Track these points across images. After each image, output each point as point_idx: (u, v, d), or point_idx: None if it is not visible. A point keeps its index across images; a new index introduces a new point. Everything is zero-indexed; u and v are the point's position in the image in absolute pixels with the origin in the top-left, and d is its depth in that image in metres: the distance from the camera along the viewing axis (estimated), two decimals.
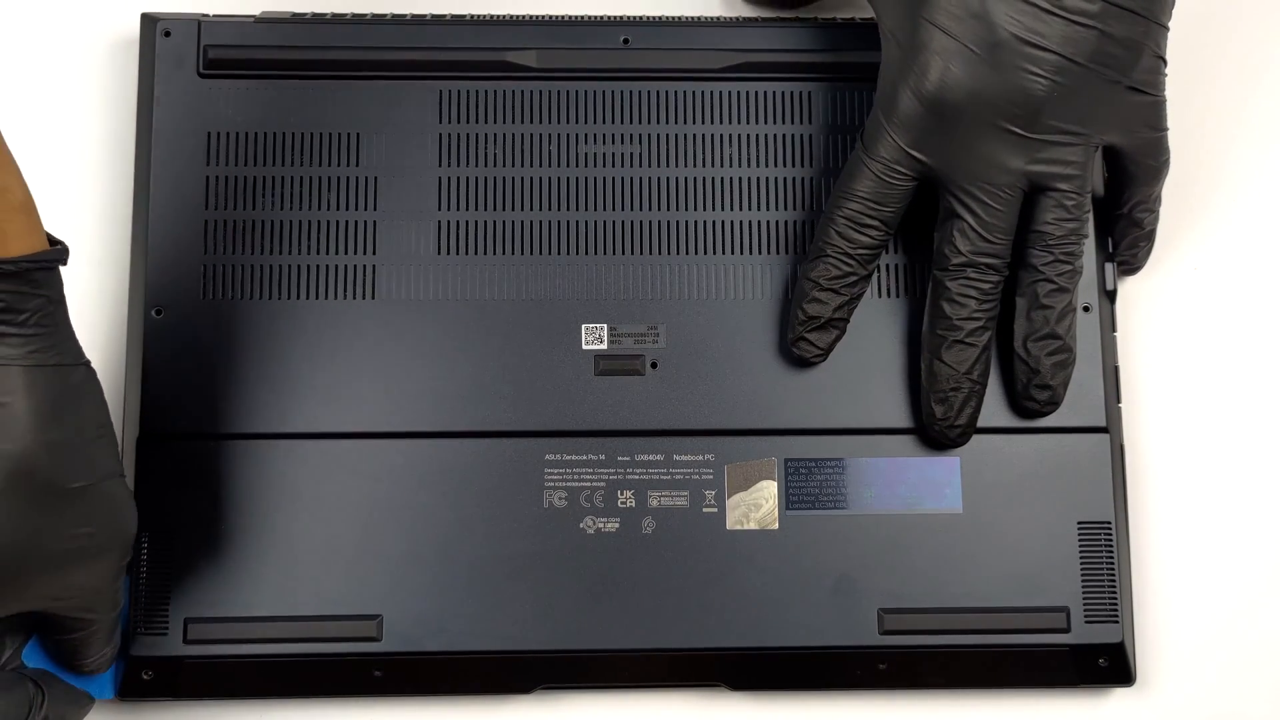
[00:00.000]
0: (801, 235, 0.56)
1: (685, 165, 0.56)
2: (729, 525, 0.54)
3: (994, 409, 0.54)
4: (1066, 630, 0.53)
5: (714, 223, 0.56)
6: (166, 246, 0.55)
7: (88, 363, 0.46)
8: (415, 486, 0.53)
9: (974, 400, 0.53)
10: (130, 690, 0.52)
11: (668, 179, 0.56)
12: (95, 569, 0.46)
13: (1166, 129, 0.53)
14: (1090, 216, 0.53)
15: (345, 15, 0.58)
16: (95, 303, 0.57)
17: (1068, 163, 0.51)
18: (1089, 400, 0.55)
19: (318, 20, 0.57)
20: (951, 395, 0.53)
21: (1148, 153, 0.53)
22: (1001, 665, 0.54)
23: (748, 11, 0.61)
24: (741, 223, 0.56)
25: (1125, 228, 0.56)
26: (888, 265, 0.56)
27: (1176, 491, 0.58)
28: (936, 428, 0.53)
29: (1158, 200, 0.55)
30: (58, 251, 0.45)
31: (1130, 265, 0.58)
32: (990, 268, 0.52)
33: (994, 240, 0.52)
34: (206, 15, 0.57)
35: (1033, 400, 0.54)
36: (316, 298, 0.55)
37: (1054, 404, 0.54)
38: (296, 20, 0.57)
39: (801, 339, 0.54)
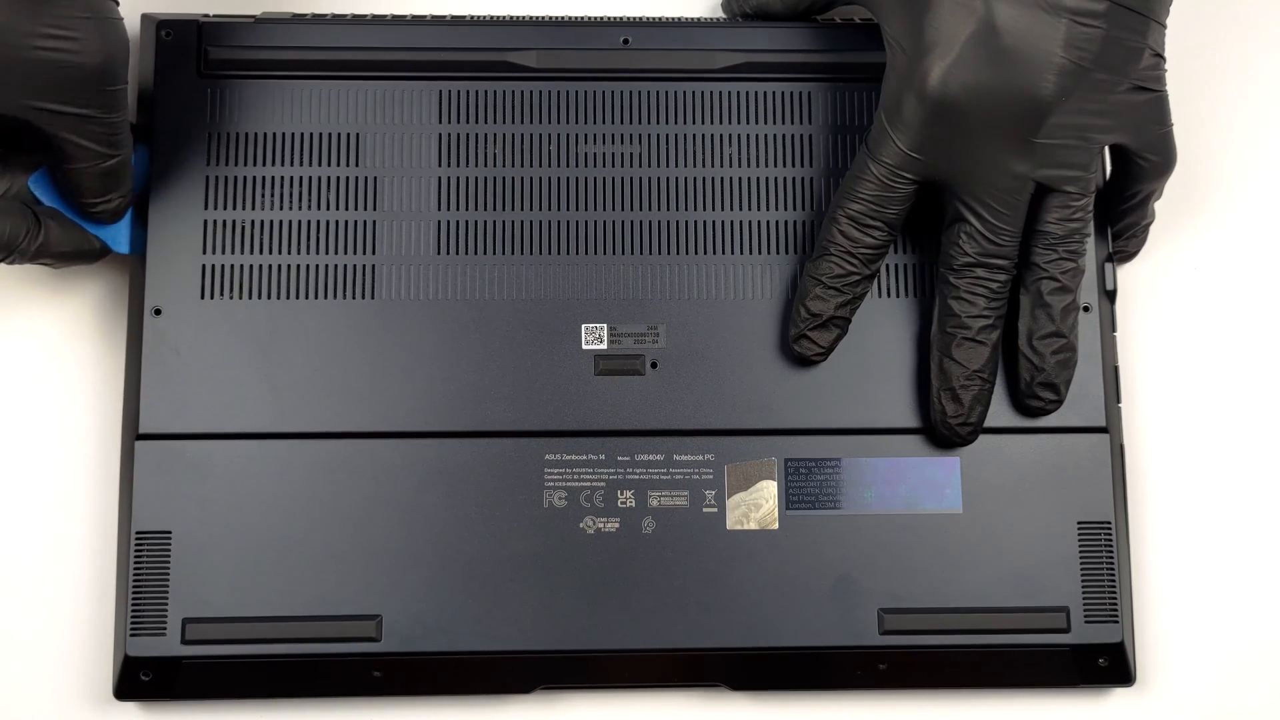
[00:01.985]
0: (802, 235, 0.56)
1: (685, 165, 0.56)
2: (729, 525, 0.54)
3: (994, 409, 0.54)
4: (1066, 630, 0.53)
5: (714, 223, 0.56)
6: (166, 246, 0.55)
7: None
8: (415, 486, 0.53)
9: (984, 398, 0.53)
10: (128, 691, 0.52)
11: (668, 179, 0.56)
12: (77, 79, 0.46)
13: (1171, 124, 0.53)
14: (1092, 215, 0.54)
15: (345, 15, 0.58)
16: (95, 303, 0.57)
17: (1073, 164, 0.51)
18: (1089, 400, 0.55)
19: (318, 20, 0.57)
20: (963, 392, 0.53)
21: (1154, 149, 0.53)
22: (1001, 665, 0.54)
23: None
24: (741, 223, 0.56)
25: (1127, 219, 0.56)
26: (887, 265, 0.56)
27: (1176, 491, 0.58)
28: (948, 425, 0.53)
29: (1159, 192, 0.56)
30: None
31: (1126, 252, 0.58)
32: (999, 267, 0.52)
33: (1001, 243, 0.52)
34: (206, 16, 0.57)
35: (1037, 399, 0.54)
36: (316, 298, 0.55)
37: (1058, 402, 0.54)
38: (296, 21, 0.57)
39: (803, 336, 0.54)
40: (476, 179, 0.56)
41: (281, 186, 0.56)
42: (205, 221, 0.55)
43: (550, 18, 0.58)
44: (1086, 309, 0.55)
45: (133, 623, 0.52)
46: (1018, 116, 0.50)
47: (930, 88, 0.50)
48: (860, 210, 0.53)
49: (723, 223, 0.56)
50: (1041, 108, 0.50)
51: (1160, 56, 0.51)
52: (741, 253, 0.56)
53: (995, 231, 0.52)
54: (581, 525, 0.54)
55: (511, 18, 0.58)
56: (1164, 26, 0.51)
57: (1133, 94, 0.51)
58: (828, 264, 0.53)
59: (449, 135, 0.56)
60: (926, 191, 0.53)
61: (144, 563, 0.52)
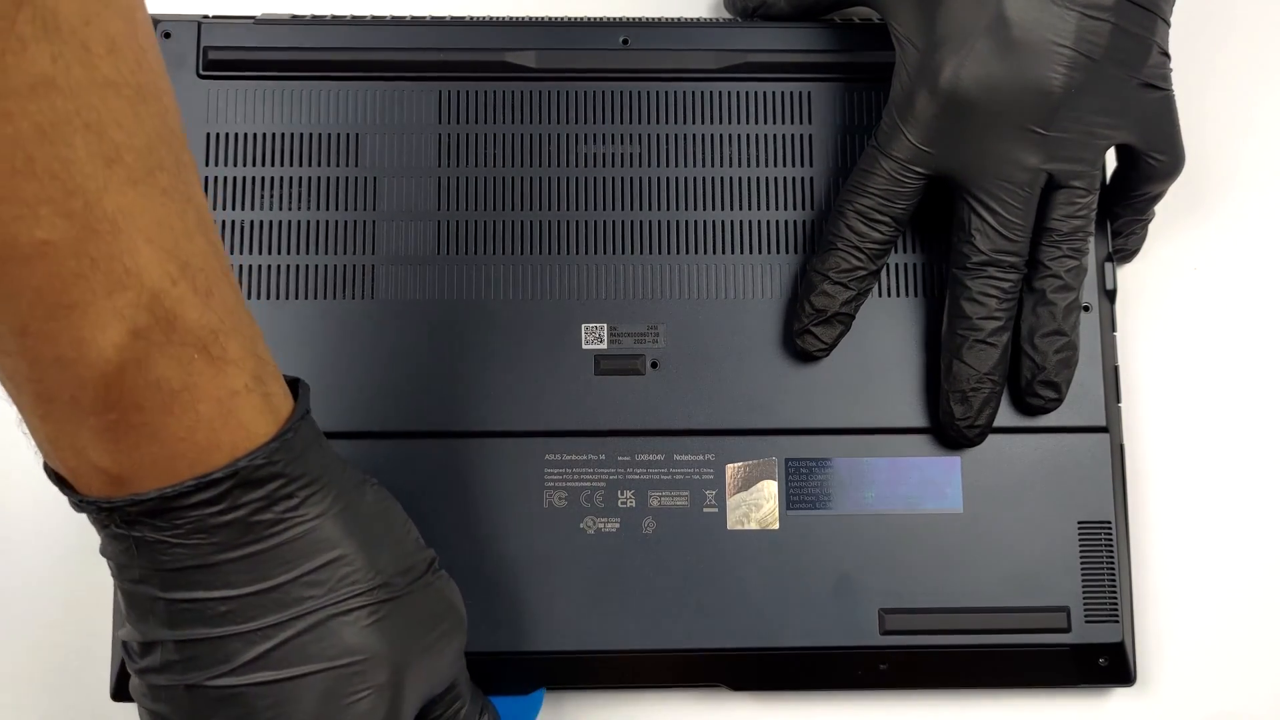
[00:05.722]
0: (802, 235, 0.56)
1: (685, 165, 0.56)
2: (729, 525, 0.54)
3: None
4: (1067, 630, 0.53)
5: (714, 223, 0.56)
6: None
7: (370, 482, 0.45)
8: (415, 486, 0.53)
9: (994, 400, 0.53)
10: (126, 693, 0.52)
11: (668, 179, 0.56)
12: (452, 653, 0.46)
13: (1179, 125, 0.53)
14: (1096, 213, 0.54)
15: (345, 16, 0.58)
16: None
17: (1082, 159, 0.52)
18: (1089, 400, 0.55)
19: (318, 21, 0.57)
20: (972, 395, 0.53)
21: (1163, 148, 0.53)
22: (1001, 665, 0.54)
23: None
24: (741, 223, 0.56)
25: (1127, 217, 0.56)
26: (888, 264, 0.56)
27: (1176, 491, 0.58)
28: (956, 427, 0.53)
29: (1164, 193, 0.56)
30: (286, 432, 0.40)
31: (1126, 250, 0.58)
32: (1011, 266, 0.52)
33: (1014, 238, 0.52)
34: (206, 16, 0.57)
35: (1038, 397, 0.54)
36: (316, 298, 0.55)
37: (1058, 401, 0.54)
38: (296, 21, 0.57)
39: (807, 332, 0.54)
40: (476, 179, 0.56)
41: (281, 187, 0.56)
42: None
43: (549, 18, 0.58)
44: (1087, 309, 0.55)
45: None
46: (1028, 109, 0.50)
47: (943, 82, 0.50)
48: (869, 205, 0.53)
49: (723, 223, 0.56)
50: (1051, 99, 0.50)
51: (1166, 55, 0.51)
52: (741, 253, 0.56)
53: (1008, 226, 0.52)
54: (582, 525, 0.54)
55: (511, 18, 0.58)
56: (1169, 24, 0.51)
57: (1141, 91, 0.51)
58: (834, 258, 0.53)
59: (449, 135, 0.56)
60: (933, 190, 0.53)
61: None
